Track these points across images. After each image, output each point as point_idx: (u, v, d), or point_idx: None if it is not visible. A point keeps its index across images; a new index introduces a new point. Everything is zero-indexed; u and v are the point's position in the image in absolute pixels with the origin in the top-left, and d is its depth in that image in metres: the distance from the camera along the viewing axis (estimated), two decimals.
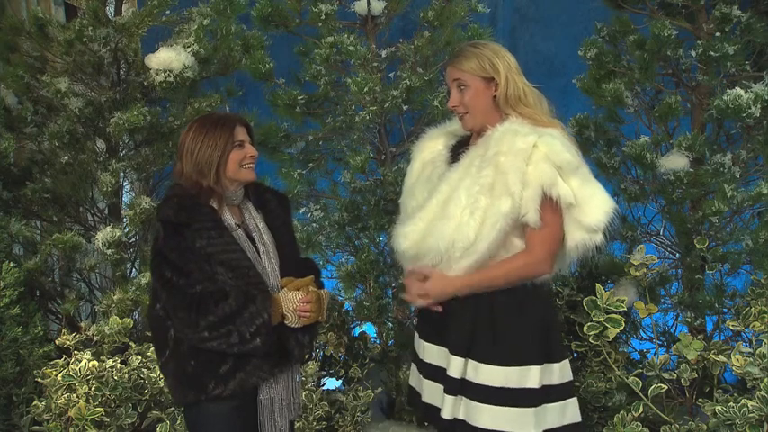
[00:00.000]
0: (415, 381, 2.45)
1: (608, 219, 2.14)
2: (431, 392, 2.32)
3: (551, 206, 2.12)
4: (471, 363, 2.19)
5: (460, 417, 2.20)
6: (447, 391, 2.23)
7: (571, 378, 2.29)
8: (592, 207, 2.13)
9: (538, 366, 2.17)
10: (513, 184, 2.09)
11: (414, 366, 2.47)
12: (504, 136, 2.15)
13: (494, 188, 2.11)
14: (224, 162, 2.19)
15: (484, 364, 2.17)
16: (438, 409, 2.27)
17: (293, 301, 2.18)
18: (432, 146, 2.40)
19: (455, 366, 2.21)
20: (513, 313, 2.18)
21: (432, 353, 2.33)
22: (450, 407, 2.21)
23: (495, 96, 2.22)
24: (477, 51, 2.23)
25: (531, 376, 2.16)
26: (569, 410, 2.25)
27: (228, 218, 2.22)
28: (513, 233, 2.15)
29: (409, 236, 2.22)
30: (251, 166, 2.24)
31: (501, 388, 2.15)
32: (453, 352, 2.23)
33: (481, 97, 2.22)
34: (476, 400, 2.17)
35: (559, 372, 2.24)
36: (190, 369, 2.14)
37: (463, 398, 2.20)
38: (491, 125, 2.21)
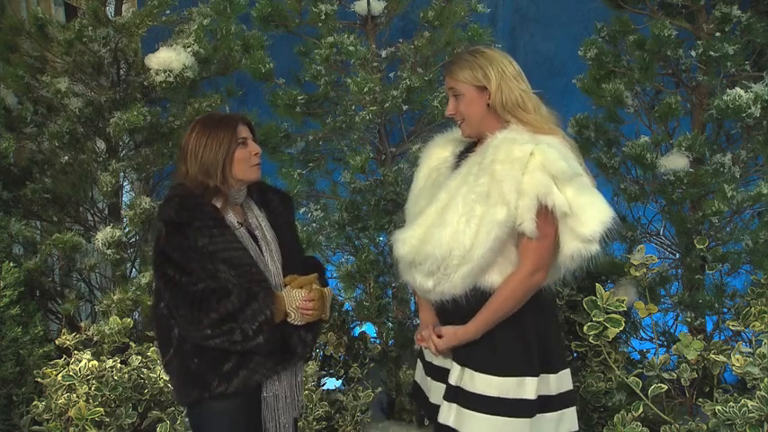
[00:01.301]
0: (421, 378, 2.46)
1: (604, 228, 2.11)
2: (438, 394, 2.32)
3: (546, 216, 2.11)
4: (468, 371, 2.19)
5: (451, 424, 2.20)
6: (445, 396, 2.24)
7: (570, 387, 2.28)
8: (588, 216, 2.10)
9: (534, 378, 2.16)
10: (509, 192, 2.08)
11: (419, 363, 2.47)
12: (502, 144, 2.14)
13: (489, 196, 2.11)
14: (229, 161, 2.19)
15: (480, 374, 2.17)
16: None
17: (296, 299, 2.19)
18: (439, 152, 2.40)
19: (454, 373, 2.22)
20: (511, 323, 2.18)
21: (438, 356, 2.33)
22: (446, 412, 2.22)
23: (489, 104, 2.21)
24: (471, 60, 2.22)
25: (527, 388, 2.15)
26: (566, 420, 2.24)
27: (231, 216, 2.22)
28: (510, 241, 2.14)
29: (407, 241, 2.22)
30: (257, 164, 2.25)
31: (496, 398, 2.15)
32: (454, 358, 2.24)
33: (475, 105, 2.22)
34: (468, 408, 2.17)
35: (557, 383, 2.22)
36: (193, 367, 2.14)
37: (454, 405, 2.20)
38: (490, 132, 2.20)
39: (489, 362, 2.17)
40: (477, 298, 2.17)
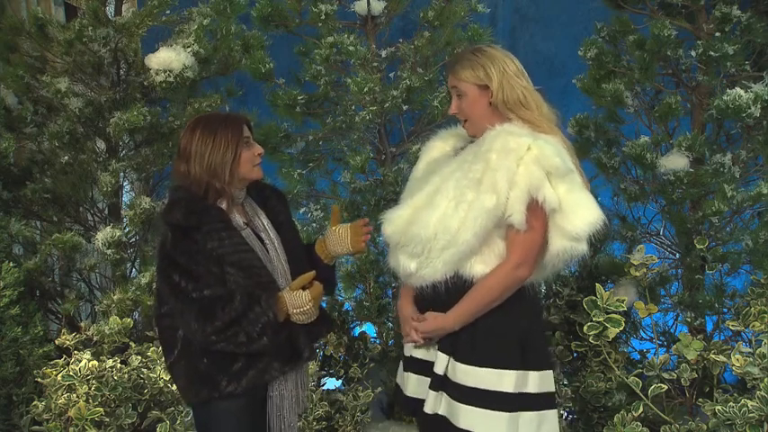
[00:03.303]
0: (400, 378, 2.47)
1: (592, 229, 2.13)
2: (418, 386, 2.33)
3: (536, 210, 2.12)
4: (452, 360, 2.21)
5: (441, 412, 2.21)
6: (431, 386, 2.24)
7: (552, 390, 2.27)
8: (577, 215, 2.13)
9: (513, 371, 2.17)
10: (501, 181, 2.10)
11: (401, 363, 2.48)
12: (499, 135, 2.16)
13: (481, 183, 2.12)
14: (237, 161, 2.18)
15: (461, 364, 2.19)
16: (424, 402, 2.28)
17: (302, 303, 2.18)
18: (440, 146, 2.42)
19: (440, 362, 2.23)
20: (493, 315, 2.18)
21: (420, 348, 2.33)
22: (432, 402, 2.23)
23: (491, 102, 2.23)
24: (472, 59, 2.24)
25: (505, 380, 2.16)
26: (546, 422, 2.23)
27: (236, 218, 2.22)
28: (497, 233, 2.16)
29: (395, 221, 2.24)
30: (259, 163, 2.25)
31: (475, 388, 2.16)
32: (440, 348, 2.25)
33: (477, 104, 2.24)
34: (455, 398, 2.18)
35: (537, 381, 2.22)
36: (202, 367, 2.15)
37: (444, 394, 2.21)
38: (491, 126, 2.22)
39: (469, 353, 2.19)
40: (457, 287, 2.18)
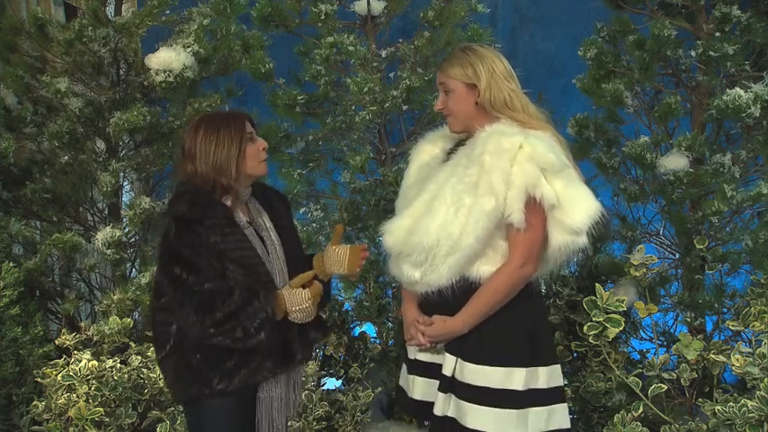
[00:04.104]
0: (404, 380, 2.47)
1: (591, 221, 2.14)
2: (427, 389, 2.33)
3: (534, 208, 2.13)
4: (460, 361, 2.21)
5: (450, 414, 2.22)
6: (439, 388, 2.25)
7: (560, 384, 2.28)
8: (575, 209, 2.14)
9: (523, 369, 2.17)
10: (497, 183, 2.11)
11: (404, 366, 2.48)
12: (490, 136, 2.17)
13: (478, 187, 2.13)
14: (242, 156, 2.20)
15: (470, 363, 2.19)
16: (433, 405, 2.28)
17: (301, 301, 2.18)
18: (429, 149, 2.42)
19: (448, 364, 2.23)
20: (500, 314, 2.19)
21: (425, 351, 2.34)
22: (441, 404, 2.23)
23: (477, 102, 2.24)
24: (463, 57, 2.26)
25: (515, 378, 2.17)
26: (557, 416, 2.24)
27: (239, 215, 2.23)
28: (498, 234, 2.16)
29: (395, 232, 2.24)
30: (264, 159, 2.27)
31: (484, 388, 2.16)
32: (447, 350, 2.25)
33: (463, 102, 2.25)
34: (464, 398, 2.19)
35: (547, 376, 2.23)
36: (195, 363, 2.15)
37: (453, 396, 2.22)
38: (480, 127, 2.22)
39: (478, 351, 2.19)
40: (463, 290, 2.19)
